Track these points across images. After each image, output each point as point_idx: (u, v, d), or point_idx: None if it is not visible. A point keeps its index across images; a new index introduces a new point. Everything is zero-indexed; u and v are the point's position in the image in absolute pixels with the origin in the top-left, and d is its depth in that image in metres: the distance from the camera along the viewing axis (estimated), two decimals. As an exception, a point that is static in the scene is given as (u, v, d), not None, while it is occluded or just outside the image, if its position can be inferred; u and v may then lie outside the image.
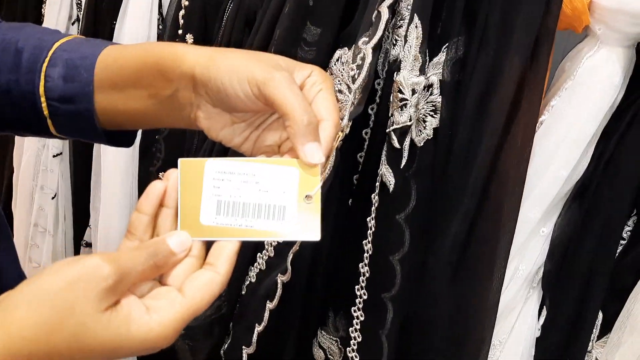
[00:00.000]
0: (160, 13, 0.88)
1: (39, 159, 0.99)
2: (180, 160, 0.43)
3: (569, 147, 0.61)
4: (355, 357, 0.72)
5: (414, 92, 0.61)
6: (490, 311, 0.65)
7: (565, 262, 0.64)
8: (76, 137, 0.52)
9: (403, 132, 0.63)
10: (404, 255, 0.68)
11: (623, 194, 0.60)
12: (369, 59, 0.59)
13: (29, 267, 1.02)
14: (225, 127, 0.46)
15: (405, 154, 0.63)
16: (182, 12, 0.83)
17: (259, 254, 0.76)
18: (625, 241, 0.62)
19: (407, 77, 0.60)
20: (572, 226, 0.64)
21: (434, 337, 0.68)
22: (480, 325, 0.66)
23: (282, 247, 0.73)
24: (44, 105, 0.47)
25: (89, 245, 1.01)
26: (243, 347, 0.77)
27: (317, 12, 0.66)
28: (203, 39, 0.83)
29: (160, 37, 0.88)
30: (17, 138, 1.04)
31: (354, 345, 0.72)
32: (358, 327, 0.72)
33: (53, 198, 0.99)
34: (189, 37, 0.83)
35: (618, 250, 0.62)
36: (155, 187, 0.42)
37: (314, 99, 0.44)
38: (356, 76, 0.62)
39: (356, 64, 0.62)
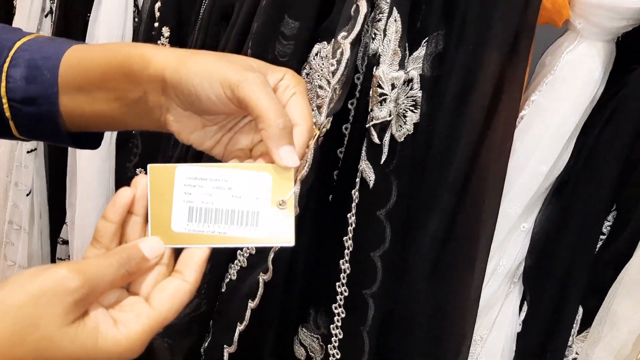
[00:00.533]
0: (135, 5, 0.86)
1: (12, 155, 0.96)
2: (149, 166, 0.41)
3: (549, 142, 0.61)
4: (337, 354, 0.72)
5: (393, 86, 0.60)
6: (471, 307, 0.65)
7: (546, 258, 0.64)
8: (40, 140, 0.50)
9: (383, 127, 0.62)
10: (385, 251, 0.67)
11: (602, 189, 0.60)
12: (347, 54, 0.58)
13: (3, 265, 1.00)
14: (196, 131, 0.45)
15: (385, 149, 0.62)
16: (158, 5, 0.81)
17: (239, 251, 0.75)
18: (605, 236, 0.62)
19: (387, 72, 0.59)
20: (553, 222, 0.63)
21: (415, 333, 0.68)
22: (461, 321, 0.66)
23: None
24: (5, 106, 0.46)
25: (65, 242, 0.99)
26: (225, 346, 0.76)
27: (295, 6, 0.65)
28: (179, 32, 0.81)
29: (136, 30, 0.86)
30: (-10, 133, 1.01)
31: (335, 342, 0.72)
32: (339, 324, 0.71)
33: (28, 195, 0.97)
34: (165, 30, 0.81)
35: (598, 246, 0.62)
36: (122, 195, 0.40)
37: (287, 102, 0.43)
38: (336, 71, 0.60)
39: (336, 58, 0.61)
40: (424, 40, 0.61)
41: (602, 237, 0.62)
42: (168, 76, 0.42)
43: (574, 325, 0.64)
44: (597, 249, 0.62)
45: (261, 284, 0.71)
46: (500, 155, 0.61)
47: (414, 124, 0.63)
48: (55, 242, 1.00)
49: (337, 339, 0.71)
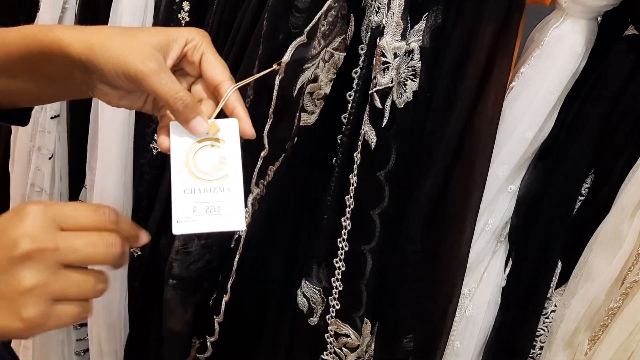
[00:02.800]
0: (157, -19, 0.92)
1: (36, 121, 1.02)
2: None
3: (535, 111, 0.67)
4: (337, 305, 0.78)
5: (395, 55, 0.66)
6: (461, 261, 0.71)
7: (530, 217, 0.70)
8: None
9: (385, 93, 0.68)
10: (384, 209, 0.73)
11: (582, 155, 0.66)
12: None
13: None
14: (123, 98, 0.52)
15: (387, 113, 0.69)
16: (178, -20, 0.87)
17: (245, 208, 0.81)
18: (584, 197, 0.68)
19: (390, 42, 0.66)
20: (537, 184, 0.70)
21: (410, 285, 0.74)
22: (452, 274, 0.72)
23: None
24: None
25: (83, 205, 1.05)
26: (223, 295, 0.82)
27: (308, -19, 0.71)
28: (198, 6, 0.87)
29: (157, 5, 0.92)
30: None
31: (335, 294, 0.78)
32: (339, 277, 0.77)
33: (50, 158, 1.03)
34: (186, 5, 0.87)
35: (577, 206, 0.69)
36: None
37: (200, 63, 0.50)
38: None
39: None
40: (425, 15, 0.67)
41: (580, 198, 0.68)
42: (85, 62, 0.47)
43: (553, 279, 0.70)
44: (576, 209, 0.68)
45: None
46: (491, 121, 0.67)
47: (414, 91, 0.69)
48: (74, 204, 1.06)
49: (337, 290, 0.78)
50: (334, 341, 0.79)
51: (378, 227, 0.74)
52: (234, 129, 0.49)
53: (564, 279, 0.70)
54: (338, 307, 0.78)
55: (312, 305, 0.81)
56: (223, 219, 0.48)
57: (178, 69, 0.52)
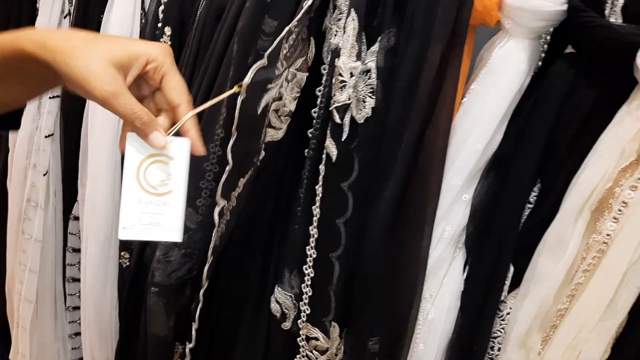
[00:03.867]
0: (142, 8, 0.98)
1: (32, 140, 1.08)
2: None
3: (484, 124, 0.71)
4: (307, 309, 0.82)
5: (351, 75, 0.71)
6: (421, 266, 0.76)
7: (483, 225, 0.74)
8: None
9: (344, 109, 0.73)
10: (348, 218, 0.78)
11: (529, 165, 0.70)
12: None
13: (21, 238, 1.12)
14: None
15: (346, 128, 0.74)
16: (161, 8, 0.93)
17: (220, 218, 0.86)
18: (532, 205, 0.72)
19: (346, 62, 0.71)
20: (489, 193, 0.74)
21: (374, 290, 0.78)
22: (413, 278, 0.76)
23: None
24: None
25: (76, 218, 1.11)
26: (197, 303, 0.87)
27: (274, 7, 0.76)
28: (180, 31, 0.93)
29: (142, 30, 0.98)
30: (12, 121, 1.14)
31: (305, 299, 0.82)
32: (309, 283, 0.82)
33: (44, 175, 1.09)
34: (167, 30, 0.93)
35: (526, 213, 0.73)
36: None
37: (162, 85, 0.54)
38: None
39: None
40: (379, 37, 0.72)
41: (529, 205, 0.72)
42: (63, 74, 0.51)
43: (507, 282, 0.74)
44: (525, 216, 0.73)
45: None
46: (443, 134, 0.72)
47: (372, 108, 0.74)
48: (68, 218, 1.12)
49: (307, 296, 0.82)
50: (305, 345, 0.84)
51: (344, 235, 0.79)
52: (185, 148, 0.54)
53: (516, 282, 0.74)
54: (308, 312, 0.82)
55: (285, 310, 0.85)
56: (162, 230, 0.53)
57: (141, 79, 0.57)
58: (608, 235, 0.65)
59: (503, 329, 0.75)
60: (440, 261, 0.77)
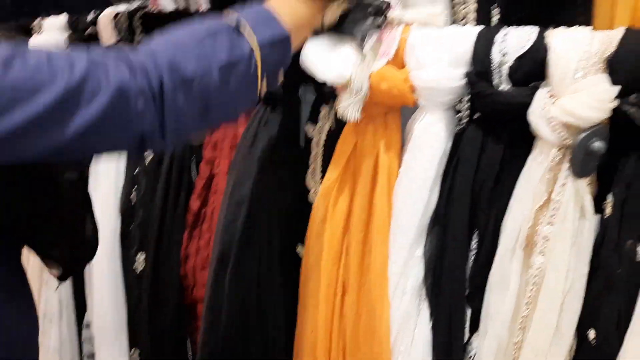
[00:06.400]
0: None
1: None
2: None
3: (419, 188, 0.82)
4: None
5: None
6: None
7: (436, 275, 0.83)
8: None
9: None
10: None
11: (463, 216, 0.80)
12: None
13: (40, 351, 1.21)
14: None
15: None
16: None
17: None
18: (475, 250, 0.81)
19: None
20: (436, 247, 0.83)
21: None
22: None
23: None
24: None
25: (88, 326, 1.21)
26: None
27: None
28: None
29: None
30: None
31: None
32: None
33: (56, 290, 1.20)
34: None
35: (472, 258, 0.81)
36: None
37: None
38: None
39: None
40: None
41: (473, 251, 0.81)
42: None
43: (467, 324, 0.82)
44: (471, 261, 0.81)
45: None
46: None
47: (323, 188, 0.86)
48: (81, 326, 1.22)
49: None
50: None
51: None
52: None
53: (477, 322, 0.82)
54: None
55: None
56: None
57: None
58: (539, 268, 0.74)
59: (472, 368, 0.82)
60: (407, 315, 0.85)
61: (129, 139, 0.58)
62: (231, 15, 0.66)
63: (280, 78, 0.72)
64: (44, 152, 0.55)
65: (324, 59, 0.80)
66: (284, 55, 0.69)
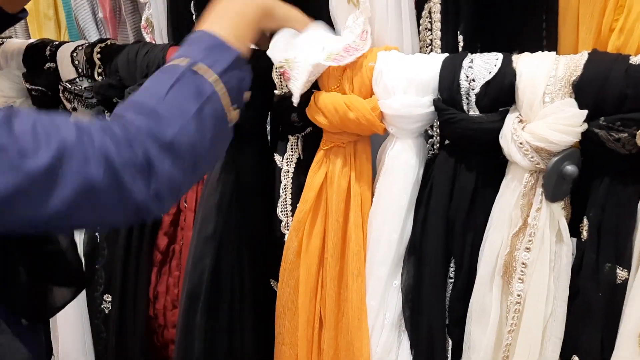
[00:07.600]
0: None
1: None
2: None
3: (393, 217, 0.80)
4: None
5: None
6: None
7: (414, 306, 0.81)
8: None
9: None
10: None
11: (439, 245, 0.78)
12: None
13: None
14: None
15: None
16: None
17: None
18: (452, 279, 0.80)
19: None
20: (414, 277, 0.81)
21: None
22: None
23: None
24: None
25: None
26: None
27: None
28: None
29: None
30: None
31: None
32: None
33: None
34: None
35: (450, 288, 0.80)
36: None
37: None
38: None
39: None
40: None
41: (450, 280, 0.80)
42: None
43: (448, 356, 0.80)
44: (449, 291, 0.80)
45: None
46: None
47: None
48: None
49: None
50: None
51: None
52: None
53: (459, 353, 0.80)
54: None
55: None
56: None
57: None
58: (519, 295, 0.73)
59: (457, 402, 0.80)
60: (387, 347, 0.83)
61: (121, 212, 0.58)
62: (182, 57, 0.65)
63: (247, 95, 0.71)
64: (27, 225, 0.54)
65: (282, 42, 0.78)
66: (242, 73, 0.69)
